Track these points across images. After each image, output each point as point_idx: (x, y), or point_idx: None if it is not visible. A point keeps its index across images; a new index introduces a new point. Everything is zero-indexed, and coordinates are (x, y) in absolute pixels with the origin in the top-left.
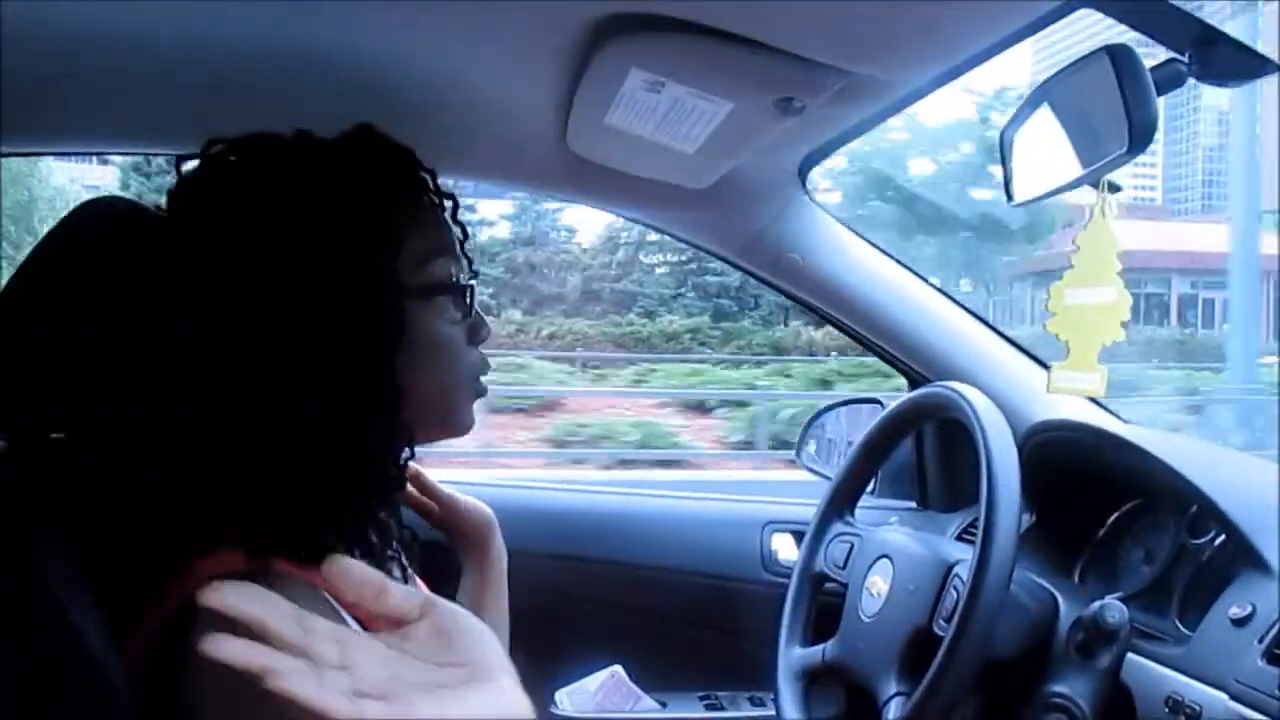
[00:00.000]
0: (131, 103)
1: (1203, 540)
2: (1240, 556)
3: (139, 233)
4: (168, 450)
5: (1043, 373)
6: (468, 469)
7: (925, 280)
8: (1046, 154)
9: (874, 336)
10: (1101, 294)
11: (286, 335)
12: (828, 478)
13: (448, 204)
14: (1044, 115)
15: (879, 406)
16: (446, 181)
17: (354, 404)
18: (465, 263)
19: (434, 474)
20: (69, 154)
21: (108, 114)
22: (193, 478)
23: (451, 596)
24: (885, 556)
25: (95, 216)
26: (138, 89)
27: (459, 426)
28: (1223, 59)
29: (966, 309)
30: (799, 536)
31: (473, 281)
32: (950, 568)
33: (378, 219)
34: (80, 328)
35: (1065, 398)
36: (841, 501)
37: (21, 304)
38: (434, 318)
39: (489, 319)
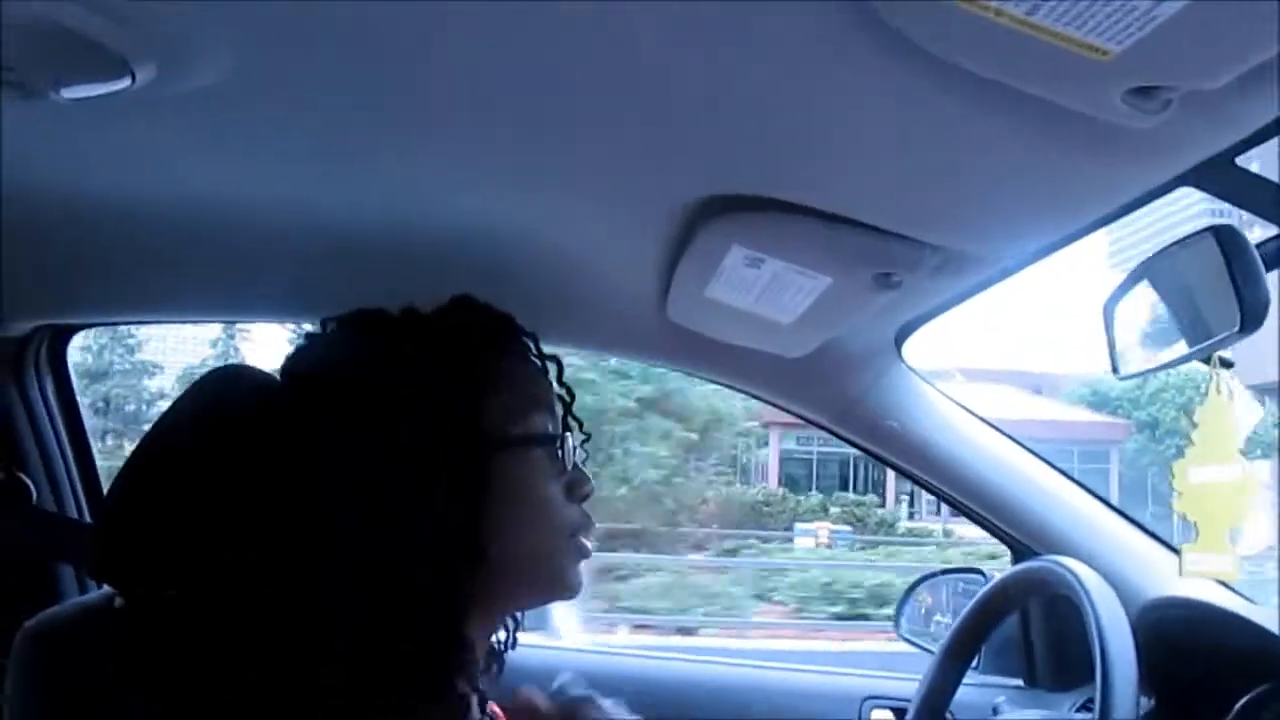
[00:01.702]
0: (239, 274)
1: None
2: None
3: (261, 403)
4: (269, 620)
5: (1151, 545)
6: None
7: (1026, 448)
8: (1150, 328)
9: (975, 505)
10: (1226, 472)
11: (392, 506)
12: (929, 651)
13: (551, 367)
14: (1145, 291)
15: (981, 578)
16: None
17: (444, 571)
18: (572, 422)
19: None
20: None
21: (220, 285)
22: (289, 649)
23: None
24: None
25: (221, 385)
26: (245, 261)
27: (563, 589)
28: None
29: (1071, 478)
30: (900, 714)
31: (569, 435)
32: None
33: (468, 374)
34: (205, 492)
35: (1175, 577)
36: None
37: (151, 466)
38: (528, 472)
39: None
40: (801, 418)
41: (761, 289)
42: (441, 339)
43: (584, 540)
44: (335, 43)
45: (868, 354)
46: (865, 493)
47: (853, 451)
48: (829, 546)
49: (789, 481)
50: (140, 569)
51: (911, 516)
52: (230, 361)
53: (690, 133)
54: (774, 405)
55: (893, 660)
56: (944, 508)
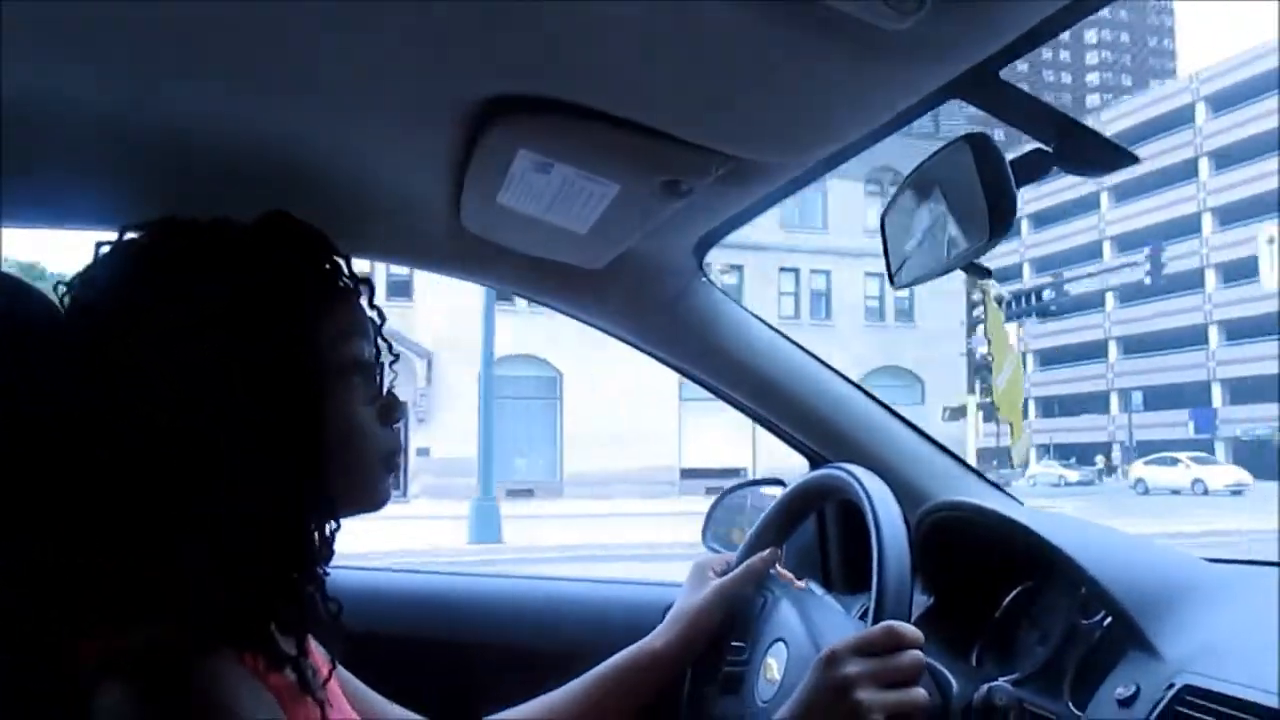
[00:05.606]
0: (44, 177)
1: (1093, 621)
2: (1126, 637)
3: (36, 311)
4: (85, 532)
5: (934, 452)
6: None
7: (822, 362)
8: (919, 239)
9: (773, 416)
10: (1009, 364)
11: (203, 413)
12: None
13: (363, 289)
14: (915, 201)
15: (783, 487)
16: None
17: (271, 479)
18: (383, 345)
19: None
20: None
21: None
22: (113, 558)
23: (374, 684)
24: (780, 640)
25: None
26: (48, 162)
27: (372, 502)
28: (1084, 150)
29: (864, 390)
30: None
31: (384, 361)
32: None
33: (292, 299)
34: None
35: (957, 481)
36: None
37: None
38: (346, 398)
39: None
40: (602, 329)
41: (553, 196)
42: (267, 257)
43: (392, 458)
44: None
45: (667, 266)
46: None
47: None
48: None
49: None
50: None
51: None
52: None
53: (464, 29)
54: (574, 317)
55: None
56: None
